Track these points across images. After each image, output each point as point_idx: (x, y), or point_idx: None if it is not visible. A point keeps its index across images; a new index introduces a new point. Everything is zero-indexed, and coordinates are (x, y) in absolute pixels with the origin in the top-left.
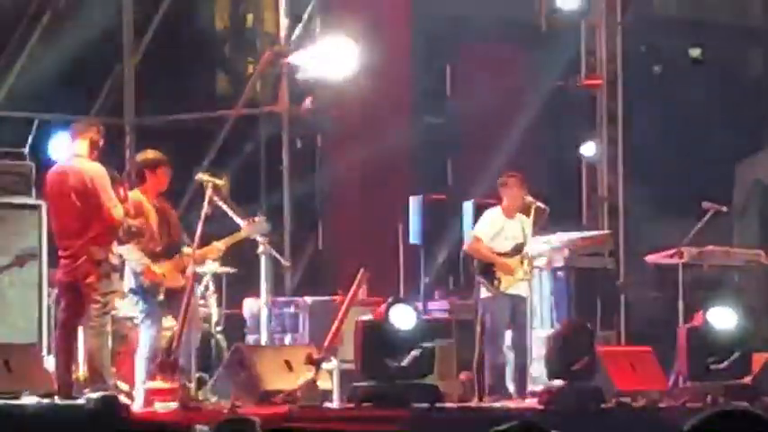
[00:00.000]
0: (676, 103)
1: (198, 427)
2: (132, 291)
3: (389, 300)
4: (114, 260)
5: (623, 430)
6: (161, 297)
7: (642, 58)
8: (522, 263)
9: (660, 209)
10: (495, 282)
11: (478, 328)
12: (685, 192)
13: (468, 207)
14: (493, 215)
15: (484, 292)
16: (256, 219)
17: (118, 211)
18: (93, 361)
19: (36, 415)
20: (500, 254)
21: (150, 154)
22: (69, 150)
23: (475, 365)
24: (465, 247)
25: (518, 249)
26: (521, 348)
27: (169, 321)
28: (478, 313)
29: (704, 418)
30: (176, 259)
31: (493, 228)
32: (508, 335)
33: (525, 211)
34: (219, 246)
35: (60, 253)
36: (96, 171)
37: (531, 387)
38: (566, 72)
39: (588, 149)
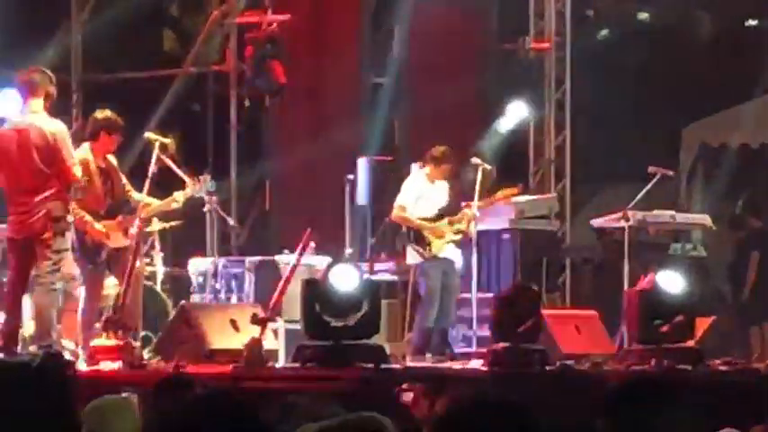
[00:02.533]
0: (623, 67)
1: (125, 393)
2: (74, 249)
3: (330, 260)
4: (70, 218)
5: (568, 393)
6: (103, 256)
7: (589, 22)
8: (450, 226)
9: (607, 173)
10: (426, 247)
11: (410, 293)
12: (632, 156)
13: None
14: (415, 181)
15: (415, 258)
16: (201, 177)
17: (77, 170)
18: (41, 318)
19: None
20: (425, 219)
21: (111, 115)
22: (26, 106)
23: (407, 329)
24: (392, 216)
25: (443, 213)
26: (446, 311)
27: (112, 281)
28: (410, 279)
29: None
30: (119, 219)
31: (415, 194)
32: None
33: (472, 172)
34: (163, 202)
35: (12, 209)
36: (59, 128)
37: (477, 348)
38: (515, 35)
39: (517, 109)
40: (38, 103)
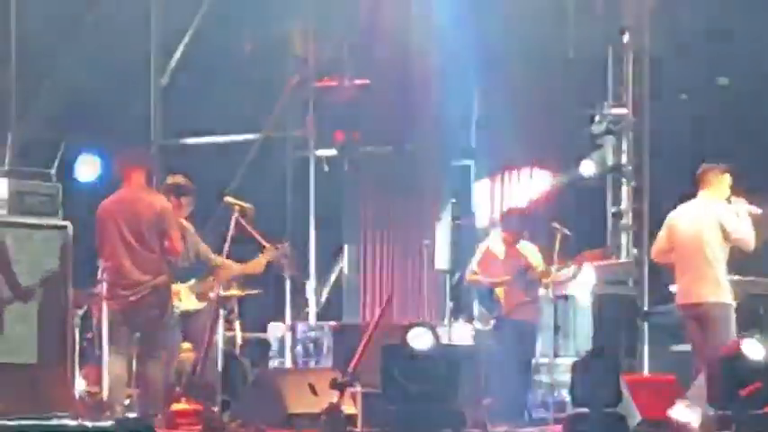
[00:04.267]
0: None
1: None
2: None
3: (408, 323)
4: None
5: None
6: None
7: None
8: (524, 289)
9: None
10: (497, 307)
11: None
12: None
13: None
14: (487, 244)
15: (485, 322)
16: (280, 246)
17: (181, 244)
18: (155, 390)
19: None
20: (497, 282)
21: (181, 179)
22: (132, 180)
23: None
24: (465, 278)
25: (519, 275)
26: (523, 374)
27: (185, 344)
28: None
29: None
30: (192, 283)
31: (488, 257)
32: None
33: (551, 237)
34: (247, 266)
35: (120, 283)
36: (166, 204)
37: (554, 414)
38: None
39: (587, 168)
40: (140, 177)
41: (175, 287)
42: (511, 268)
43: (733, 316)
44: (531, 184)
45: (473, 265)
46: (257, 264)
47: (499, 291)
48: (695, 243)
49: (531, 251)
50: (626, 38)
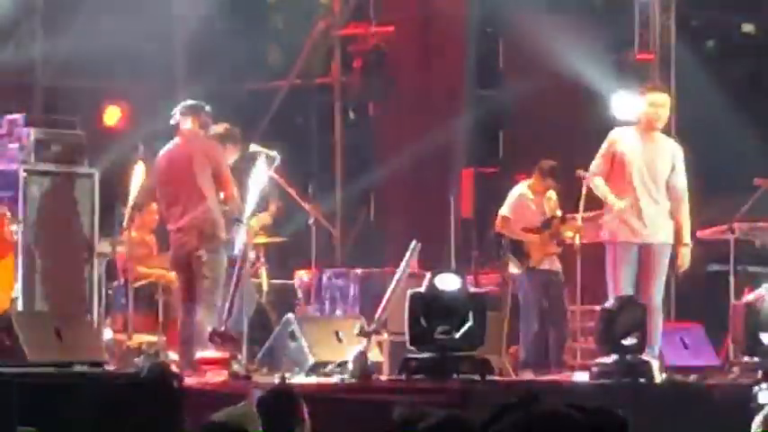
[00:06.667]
0: (729, 79)
1: (254, 390)
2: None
3: (434, 270)
4: (224, 235)
5: (674, 405)
6: None
7: (695, 33)
8: (552, 237)
9: (712, 184)
10: (526, 259)
11: (509, 305)
12: (737, 167)
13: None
14: (519, 191)
15: (514, 269)
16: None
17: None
18: (200, 336)
19: (88, 382)
20: (529, 230)
21: (220, 128)
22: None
23: (504, 341)
24: (496, 226)
25: (547, 224)
26: (557, 322)
27: None
28: (509, 289)
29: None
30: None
31: (519, 204)
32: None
33: (577, 185)
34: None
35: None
36: (217, 148)
37: (582, 361)
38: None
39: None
40: (195, 124)
41: None
42: (540, 217)
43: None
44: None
45: (505, 211)
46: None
47: (528, 240)
48: None
49: (554, 201)
50: None
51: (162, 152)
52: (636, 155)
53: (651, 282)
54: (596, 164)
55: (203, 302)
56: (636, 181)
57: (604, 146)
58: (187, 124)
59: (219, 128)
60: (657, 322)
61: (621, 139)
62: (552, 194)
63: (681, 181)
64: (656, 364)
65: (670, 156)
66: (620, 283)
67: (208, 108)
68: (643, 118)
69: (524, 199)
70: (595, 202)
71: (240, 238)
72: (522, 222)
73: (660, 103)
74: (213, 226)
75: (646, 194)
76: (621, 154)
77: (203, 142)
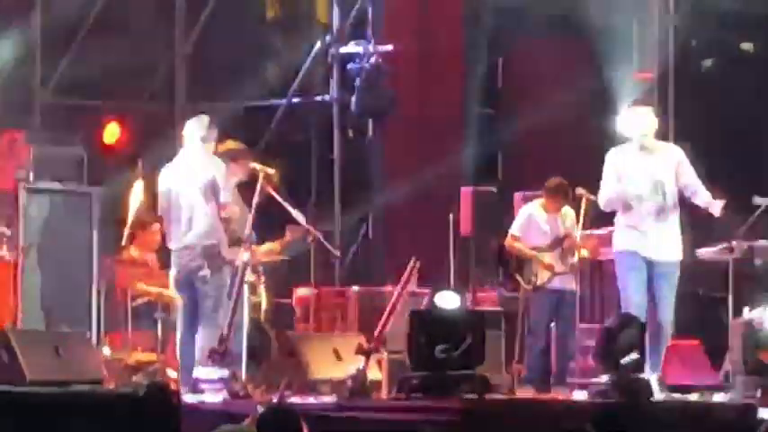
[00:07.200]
0: (727, 97)
1: (257, 408)
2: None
3: (434, 288)
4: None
5: (673, 424)
6: None
7: (693, 53)
8: (561, 257)
9: None
10: (533, 278)
11: (520, 323)
12: (736, 186)
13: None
14: (530, 210)
15: (523, 288)
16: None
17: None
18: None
19: (87, 400)
20: (538, 248)
21: (227, 145)
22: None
23: (515, 359)
24: (505, 243)
25: (557, 243)
26: (564, 342)
27: None
28: (521, 308)
29: None
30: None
31: (529, 223)
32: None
33: (576, 203)
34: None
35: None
36: (220, 166)
37: (580, 379)
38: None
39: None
40: (200, 141)
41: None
42: (551, 236)
43: None
44: None
45: (515, 230)
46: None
47: (537, 258)
48: None
49: (571, 219)
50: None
51: (164, 169)
52: (637, 171)
53: (661, 300)
54: (607, 188)
55: (205, 321)
56: (639, 198)
57: (608, 169)
58: (192, 140)
59: (226, 145)
60: (664, 341)
61: (621, 158)
62: (569, 211)
63: (690, 176)
64: (656, 383)
65: (672, 162)
66: (630, 290)
67: (213, 124)
68: (635, 133)
69: (534, 218)
70: (602, 220)
71: (240, 258)
72: (531, 241)
73: (643, 113)
74: (216, 245)
75: (652, 211)
76: (624, 173)
77: (206, 160)
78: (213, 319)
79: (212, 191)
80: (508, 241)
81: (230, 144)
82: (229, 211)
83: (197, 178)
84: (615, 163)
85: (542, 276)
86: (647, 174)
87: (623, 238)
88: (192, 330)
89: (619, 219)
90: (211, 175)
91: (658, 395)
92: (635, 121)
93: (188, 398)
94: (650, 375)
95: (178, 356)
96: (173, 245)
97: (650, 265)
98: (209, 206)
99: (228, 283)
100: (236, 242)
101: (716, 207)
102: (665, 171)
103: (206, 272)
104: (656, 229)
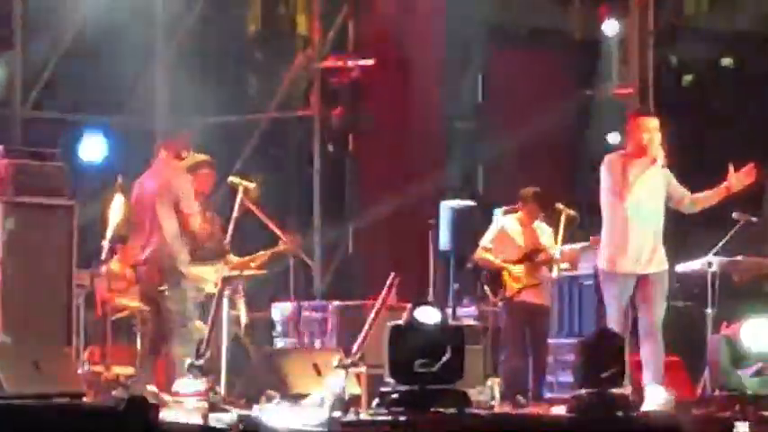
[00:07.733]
0: (707, 113)
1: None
2: None
3: (414, 302)
4: (183, 268)
5: None
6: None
7: (673, 69)
8: (533, 270)
9: (689, 218)
10: (500, 290)
11: (490, 336)
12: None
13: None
14: (503, 222)
15: (492, 301)
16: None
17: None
18: (175, 368)
19: (66, 414)
20: (508, 261)
21: (192, 158)
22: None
23: (485, 373)
24: (475, 256)
25: (530, 256)
26: (537, 356)
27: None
28: (491, 321)
29: None
30: (217, 266)
31: (502, 236)
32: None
33: (555, 218)
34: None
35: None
36: (181, 178)
37: (559, 394)
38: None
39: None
40: (169, 154)
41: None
42: (524, 249)
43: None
44: None
45: (485, 242)
46: (263, 259)
47: (507, 272)
48: None
49: (547, 233)
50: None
51: (135, 183)
52: (634, 183)
53: (651, 308)
54: (611, 191)
55: (176, 335)
56: (630, 211)
57: (617, 169)
58: (162, 153)
59: (191, 158)
60: (659, 349)
61: (621, 165)
62: (546, 228)
63: (677, 187)
64: (663, 395)
65: (662, 176)
66: (612, 307)
67: (185, 137)
68: (635, 144)
69: (507, 231)
70: (580, 236)
71: (217, 272)
72: (503, 253)
73: (652, 128)
74: (171, 259)
75: (641, 225)
76: (624, 180)
77: (169, 172)
78: (185, 334)
79: (171, 204)
80: (478, 253)
81: (194, 157)
82: (194, 224)
83: (158, 192)
84: (617, 168)
85: (510, 288)
86: (644, 186)
87: (610, 253)
88: (157, 343)
89: (608, 233)
90: (172, 188)
91: (665, 407)
92: (646, 135)
93: (167, 412)
94: (652, 387)
95: (137, 366)
96: (135, 260)
97: (639, 278)
98: (167, 221)
99: (192, 295)
100: (213, 257)
101: (734, 179)
102: (658, 186)
103: (164, 287)
104: (641, 246)
